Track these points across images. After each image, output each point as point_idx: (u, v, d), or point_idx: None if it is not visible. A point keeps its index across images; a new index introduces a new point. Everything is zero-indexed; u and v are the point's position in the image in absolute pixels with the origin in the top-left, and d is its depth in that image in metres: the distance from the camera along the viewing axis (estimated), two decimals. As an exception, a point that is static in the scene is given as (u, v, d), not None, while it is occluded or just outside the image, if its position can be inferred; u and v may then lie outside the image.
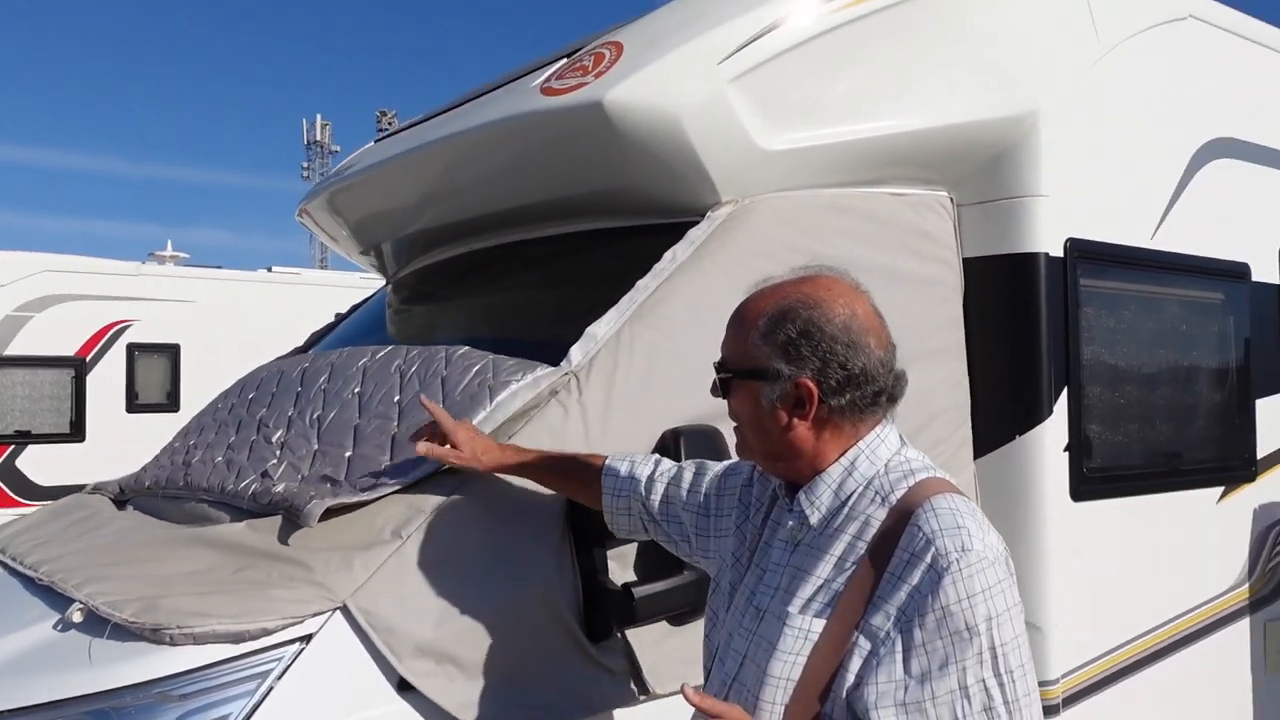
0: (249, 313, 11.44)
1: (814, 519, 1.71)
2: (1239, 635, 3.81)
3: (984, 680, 1.51)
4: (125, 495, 3.18)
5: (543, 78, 3.03)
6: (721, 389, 1.79)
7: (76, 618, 2.17)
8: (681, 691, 1.59)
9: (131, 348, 10.89)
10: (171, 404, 11.01)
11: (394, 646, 2.12)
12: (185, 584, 2.19)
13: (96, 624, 2.14)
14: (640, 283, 2.69)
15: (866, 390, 1.67)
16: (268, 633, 2.05)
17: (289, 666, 2.07)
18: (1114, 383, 3.45)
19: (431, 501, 2.26)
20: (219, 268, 12.38)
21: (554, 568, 2.31)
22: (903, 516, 1.61)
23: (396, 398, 2.63)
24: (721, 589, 1.90)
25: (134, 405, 10.89)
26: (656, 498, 2.16)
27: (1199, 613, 3.62)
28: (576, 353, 2.52)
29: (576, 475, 2.28)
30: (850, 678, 1.58)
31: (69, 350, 10.59)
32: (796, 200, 2.96)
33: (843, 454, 1.71)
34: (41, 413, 10.48)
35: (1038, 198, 3.19)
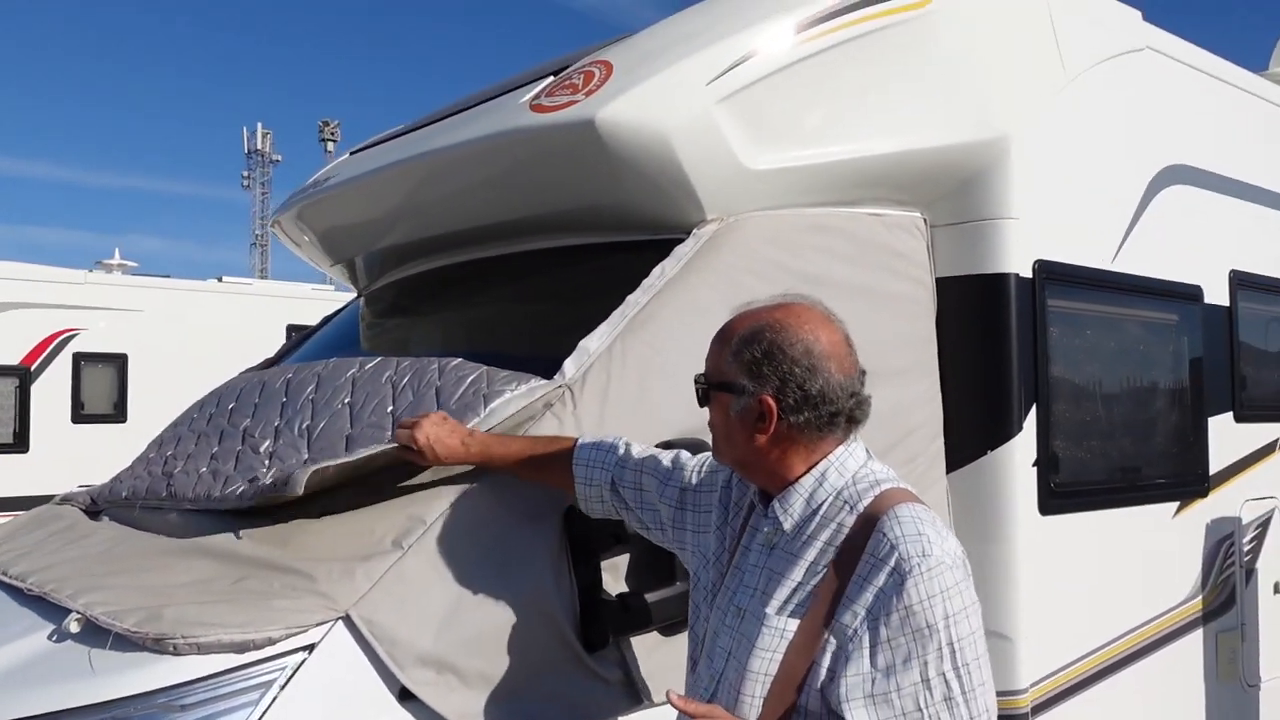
0: (199, 323, 11.30)
1: (787, 525, 1.85)
2: (1194, 645, 3.94)
3: (944, 673, 1.68)
4: (99, 506, 3.15)
5: (530, 94, 3.07)
6: (700, 399, 1.97)
7: (74, 628, 2.15)
8: (666, 697, 1.76)
9: (78, 357, 10.71)
10: (118, 415, 10.83)
11: (396, 656, 2.14)
12: (186, 594, 2.19)
13: (95, 634, 2.13)
14: (630, 298, 2.74)
15: (823, 411, 1.82)
16: (272, 642, 2.06)
17: (292, 676, 2.08)
18: (1079, 400, 3.57)
19: (432, 512, 2.29)
20: (167, 276, 12.20)
21: (552, 579, 2.35)
22: (869, 523, 1.77)
23: (390, 408, 2.65)
24: (702, 585, 2.05)
25: (80, 416, 10.71)
26: (630, 486, 2.26)
27: (1158, 623, 3.75)
28: (570, 366, 2.56)
29: (546, 465, 2.35)
30: (823, 672, 1.74)
31: (13, 359, 10.38)
32: (780, 219, 3.03)
33: (813, 466, 1.86)
34: (-16, 423, 10.26)
35: (1008, 220, 3.30)
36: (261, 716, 2.02)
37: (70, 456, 10.41)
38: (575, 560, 2.40)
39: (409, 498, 2.36)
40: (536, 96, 3.01)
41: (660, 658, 2.48)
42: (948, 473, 3.26)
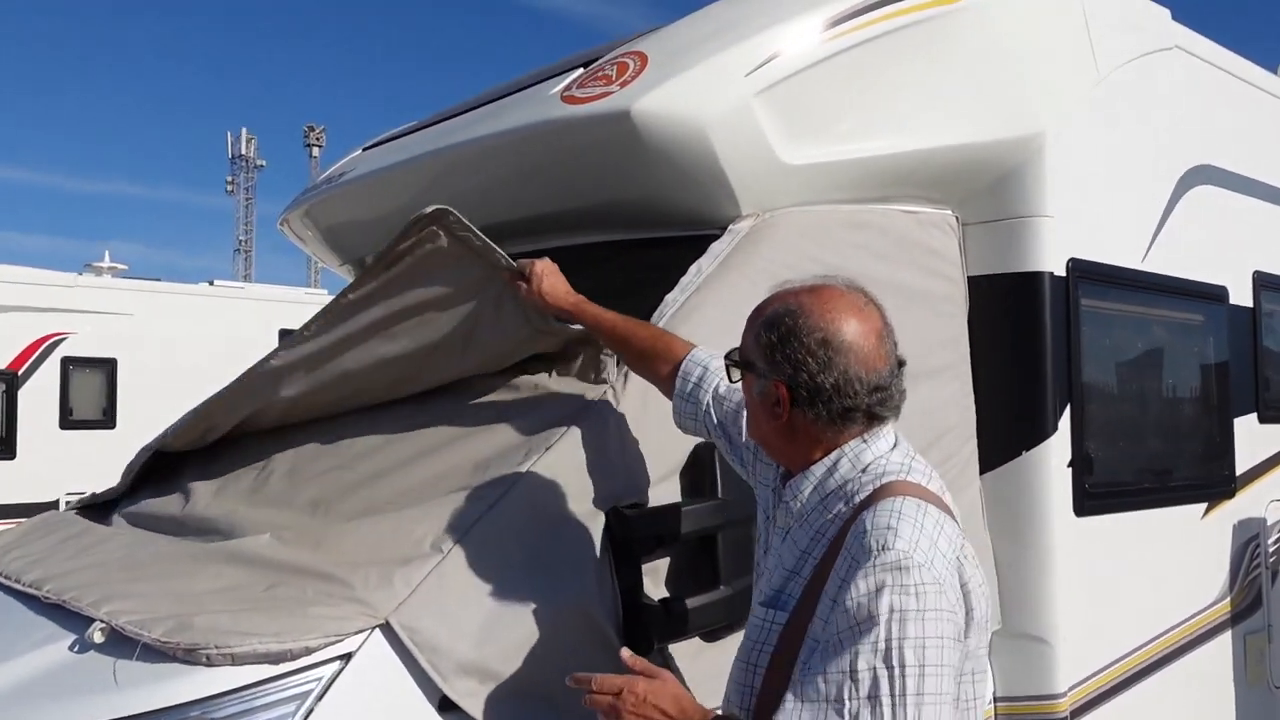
0: (190, 327, 11.15)
1: (795, 508, 1.79)
2: (1223, 647, 3.89)
3: (874, 668, 1.53)
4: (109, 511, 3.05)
5: (560, 86, 3.00)
6: (728, 373, 1.93)
7: (98, 638, 2.05)
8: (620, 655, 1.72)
9: (66, 361, 10.54)
10: (107, 421, 10.67)
11: (437, 665, 2.04)
12: (215, 601, 2.09)
13: (121, 644, 2.03)
14: (669, 297, 2.67)
15: (835, 405, 1.71)
16: (310, 652, 1.97)
17: (329, 686, 1.98)
18: (1111, 401, 3.51)
19: (471, 514, 2.20)
20: (158, 280, 12.04)
21: (594, 582, 2.26)
22: (859, 515, 1.67)
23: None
24: (762, 542, 1.98)
25: (68, 422, 10.53)
26: (718, 417, 2.22)
27: (1190, 624, 3.70)
28: (611, 365, 2.49)
29: (648, 356, 2.36)
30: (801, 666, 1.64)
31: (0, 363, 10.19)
32: (817, 215, 2.97)
33: (827, 453, 1.75)
34: (-31, 428, 10.08)
35: (1043, 218, 3.24)
36: (299, 729, 1.92)
37: (58, 463, 10.25)
38: (617, 563, 2.32)
39: (445, 498, 2.27)
40: (568, 88, 2.93)
41: (704, 664, 2.39)
42: (981, 474, 3.20)
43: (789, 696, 1.58)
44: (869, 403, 1.71)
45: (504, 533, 2.21)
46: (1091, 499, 3.29)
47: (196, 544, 2.47)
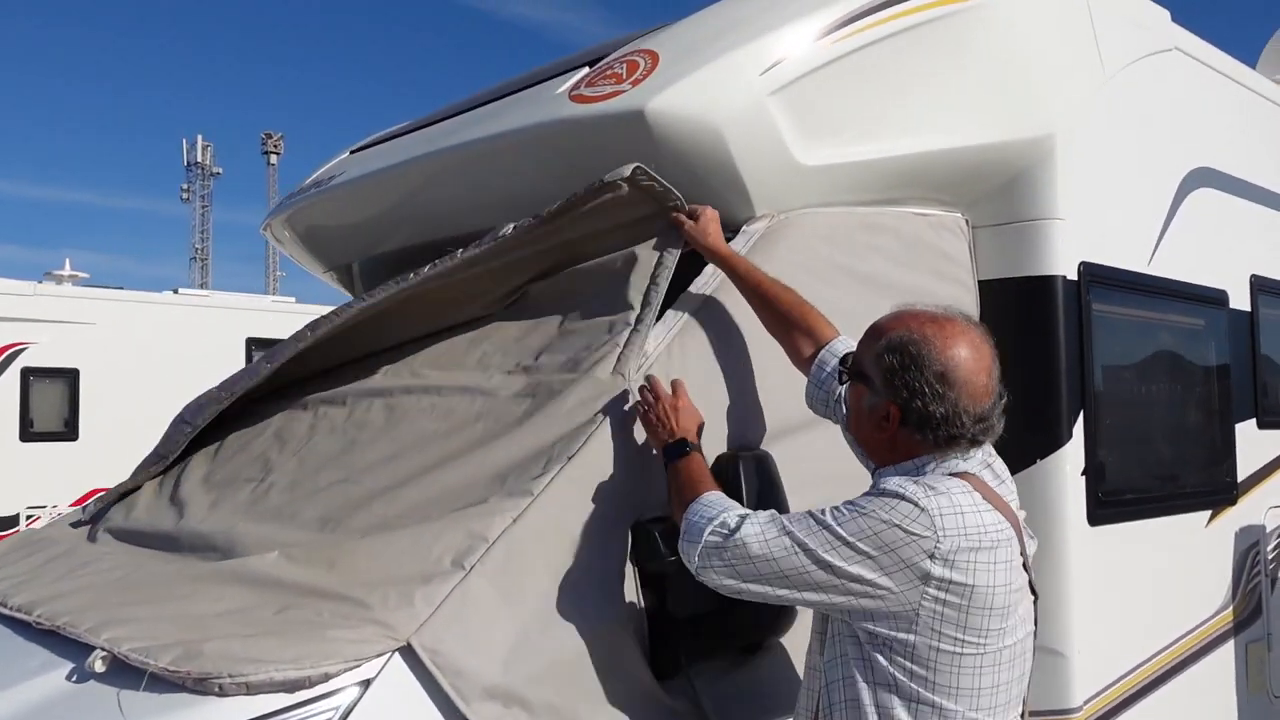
0: (154, 336, 10.87)
1: None
2: (1227, 656, 3.86)
3: (804, 514, 1.84)
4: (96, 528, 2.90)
5: (567, 85, 2.90)
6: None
7: (99, 666, 1.92)
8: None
9: (26, 372, 10.22)
10: (70, 433, 10.36)
11: (461, 688, 1.94)
12: (224, 626, 1.97)
13: (124, 673, 1.90)
14: (685, 297, 2.58)
15: (942, 433, 1.85)
16: (329, 678, 1.85)
17: (347, 715, 1.87)
18: (1122, 407, 3.46)
19: (494, 528, 2.09)
20: (120, 288, 11.75)
21: (620, 600, 2.17)
22: None
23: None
24: None
25: (29, 434, 10.21)
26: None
27: (1197, 634, 3.66)
28: (630, 366, 2.40)
29: (791, 329, 2.42)
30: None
31: (-43, 375, 9.89)
32: (832, 217, 2.89)
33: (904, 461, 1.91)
34: (-73, 440, 9.76)
35: (1054, 220, 3.18)
36: (319, 761, 1.81)
37: (18, 476, 9.96)
38: (642, 579, 2.22)
39: (464, 512, 2.16)
40: (576, 86, 2.84)
41: (730, 684, 2.31)
42: (995, 483, 3.13)
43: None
44: (973, 432, 1.87)
45: (527, 549, 2.11)
46: (1104, 508, 3.23)
47: (196, 562, 2.34)
